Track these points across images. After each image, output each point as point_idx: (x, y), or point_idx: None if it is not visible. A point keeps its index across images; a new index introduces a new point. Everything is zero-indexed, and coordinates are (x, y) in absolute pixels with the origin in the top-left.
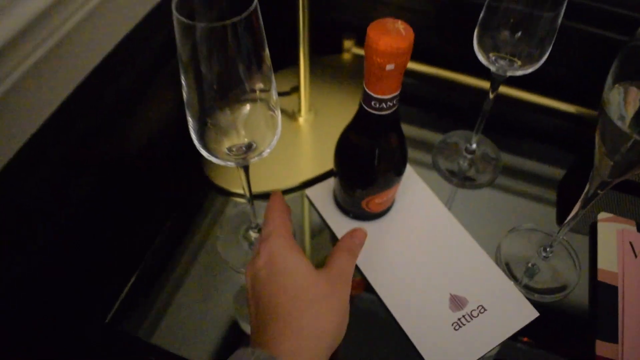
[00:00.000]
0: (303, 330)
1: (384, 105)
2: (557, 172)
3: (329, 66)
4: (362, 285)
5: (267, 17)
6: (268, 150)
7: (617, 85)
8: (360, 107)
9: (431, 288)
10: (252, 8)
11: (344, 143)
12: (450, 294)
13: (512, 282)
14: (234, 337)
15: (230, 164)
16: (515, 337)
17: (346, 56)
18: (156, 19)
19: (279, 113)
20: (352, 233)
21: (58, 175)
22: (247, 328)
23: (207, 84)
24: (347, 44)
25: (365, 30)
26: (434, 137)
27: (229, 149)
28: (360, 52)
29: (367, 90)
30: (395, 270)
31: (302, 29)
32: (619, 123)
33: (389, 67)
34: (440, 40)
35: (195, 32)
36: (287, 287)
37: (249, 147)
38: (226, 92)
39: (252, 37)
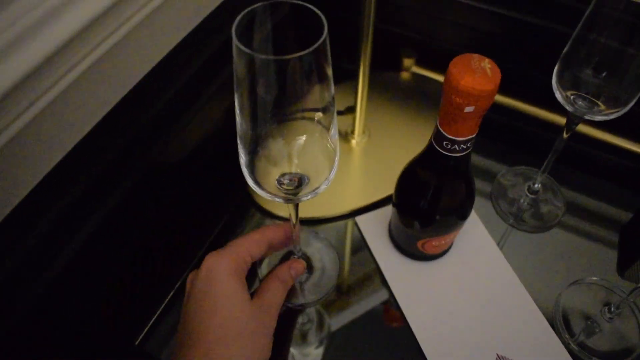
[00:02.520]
0: None
1: (457, 147)
2: (623, 217)
3: (385, 85)
4: (398, 319)
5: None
6: (324, 187)
7: None
8: (430, 143)
9: (477, 344)
10: (320, 41)
11: (408, 177)
12: (497, 355)
13: (567, 352)
14: None
15: (279, 200)
16: None
17: (404, 75)
18: (209, 27)
19: (337, 148)
20: (291, 264)
21: (98, 184)
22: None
23: (262, 115)
24: (407, 62)
25: (427, 49)
26: (496, 168)
27: (279, 181)
28: (420, 71)
29: (440, 128)
30: (440, 318)
31: (365, 42)
32: None
33: (468, 109)
34: (513, 67)
35: (255, 62)
36: (218, 312)
37: (301, 181)
38: (282, 120)
39: (317, 68)
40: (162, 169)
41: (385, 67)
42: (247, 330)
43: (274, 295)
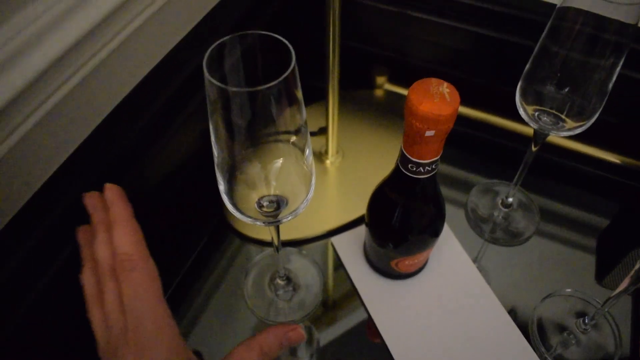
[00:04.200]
0: None
1: (422, 170)
2: (598, 225)
3: (358, 103)
4: (379, 337)
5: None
6: (303, 207)
7: None
8: (397, 166)
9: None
10: (289, 70)
11: (378, 198)
12: None
13: None
14: None
15: (260, 223)
16: None
17: (378, 92)
18: (184, 51)
19: (313, 169)
20: (287, 332)
21: (73, 212)
22: None
23: (238, 141)
24: (380, 80)
25: (399, 66)
26: (469, 181)
27: (259, 204)
28: (393, 88)
29: (404, 151)
30: (416, 336)
31: (332, 63)
32: None
33: (429, 133)
34: (482, 81)
35: (228, 94)
36: None
37: (280, 204)
38: (257, 145)
39: (287, 94)
40: (136, 195)
41: (358, 85)
42: None
43: None
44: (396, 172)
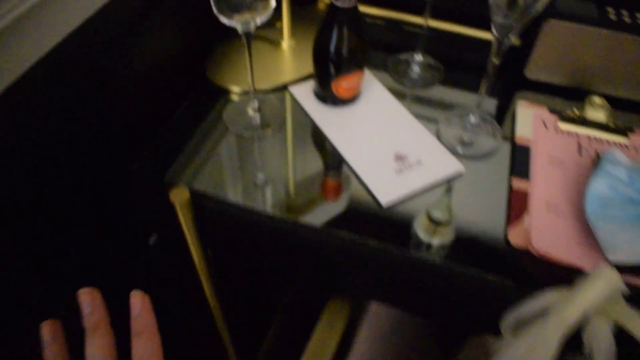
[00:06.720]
0: None
1: None
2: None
3: (307, 16)
4: (334, 190)
5: None
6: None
7: None
8: (331, 3)
9: (382, 149)
10: None
11: (317, 37)
12: (395, 153)
13: (445, 148)
14: None
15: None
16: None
17: (321, 6)
18: None
19: None
20: (140, 315)
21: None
22: None
23: None
24: None
25: None
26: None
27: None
28: None
29: None
30: (356, 138)
31: None
32: None
33: None
34: None
35: None
36: None
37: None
38: None
39: None
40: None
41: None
42: None
43: (141, 354)
44: (328, 8)
